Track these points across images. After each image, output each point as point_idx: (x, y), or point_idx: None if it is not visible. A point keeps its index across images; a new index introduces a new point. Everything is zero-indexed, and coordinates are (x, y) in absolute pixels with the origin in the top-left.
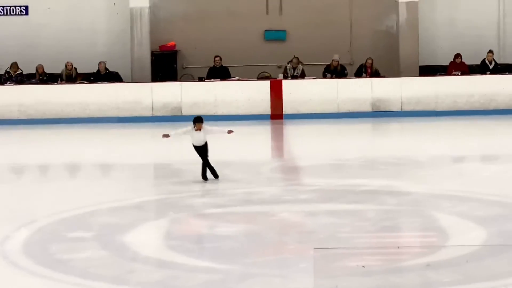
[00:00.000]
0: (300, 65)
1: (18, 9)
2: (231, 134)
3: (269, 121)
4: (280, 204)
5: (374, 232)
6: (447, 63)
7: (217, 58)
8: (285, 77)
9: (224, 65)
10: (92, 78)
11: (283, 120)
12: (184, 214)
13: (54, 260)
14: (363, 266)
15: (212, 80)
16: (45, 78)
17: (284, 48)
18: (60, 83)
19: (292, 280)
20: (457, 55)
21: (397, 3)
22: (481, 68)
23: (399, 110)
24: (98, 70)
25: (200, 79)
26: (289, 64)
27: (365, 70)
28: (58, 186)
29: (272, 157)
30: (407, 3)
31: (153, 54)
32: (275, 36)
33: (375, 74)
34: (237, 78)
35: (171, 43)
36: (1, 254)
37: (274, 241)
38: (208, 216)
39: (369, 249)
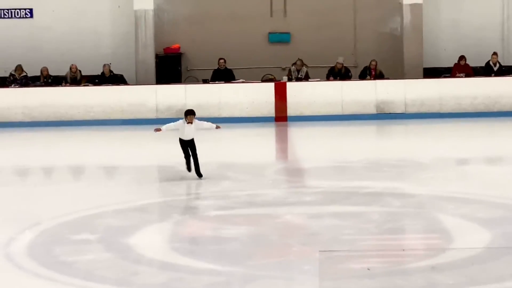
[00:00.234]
0: (304, 67)
1: (22, 11)
2: (219, 129)
3: (273, 123)
4: (284, 206)
5: (378, 234)
6: (451, 65)
7: (222, 61)
8: (289, 79)
9: (228, 67)
10: (96, 80)
11: (287, 122)
12: (188, 216)
13: (59, 262)
14: (368, 269)
15: (217, 82)
16: (49, 80)
17: (288, 50)
18: (65, 86)
19: (296, 282)
20: (461, 57)
21: (401, 5)
22: (486, 70)
23: (403, 112)
24: (103, 73)
25: (205, 81)
26: (293, 67)
27: (369, 72)
28: (62, 189)
29: (276, 159)
30: (411, 5)
31: (157, 57)
32: (279, 38)
33: (379, 76)
34: (241, 80)
35: (176, 45)
36: (6, 256)
37: (278, 243)
38: (212, 218)
39: (373, 251)
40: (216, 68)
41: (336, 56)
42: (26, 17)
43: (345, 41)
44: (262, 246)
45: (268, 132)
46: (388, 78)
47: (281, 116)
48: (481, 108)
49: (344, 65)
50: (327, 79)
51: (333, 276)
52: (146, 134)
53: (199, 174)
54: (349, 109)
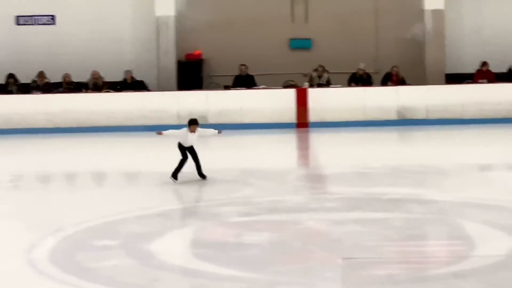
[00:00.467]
0: (325, 73)
1: (45, 18)
2: (220, 134)
3: (294, 130)
4: (306, 213)
5: (401, 241)
6: (474, 71)
7: (243, 67)
8: (311, 86)
9: (250, 73)
10: (118, 86)
11: (309, 128)
12: (210, 222)
13: (81, 268)
14: (391, 276)
15: (238, 88)
16: (72, 87)
17: (309, 57)
18: (87, 92)
19: None
20: (484, 63)
21: (423, 11)
22: (508, 76)
23: (425, 118)
24: (125, 79)
25: (226, 87)
26: (315, 73)
27: (391, 78)
28: (84, 195)
29: (298, 165)
30: (433, 11)
31: (179, 63)
32: (300, 44)
33: (401, 82)
34: (262, 86)
35: (197, 51)
36: (28, 263)
37: (300, 249)
38: (234, 225)
39: (396, 258)
40: (237, 74)
41: (357, 62)
42: (48, 24)
43: (366, 47)
44: (284, 253)
45: (290, 138)
46: (410, 84)
47: (302, 122)
48: (504, 114)
49: (366, 71)
50: (349, 85)
51: (356, 283)
52: (167, 140)
53: (203, 176)
54: (371, 115)
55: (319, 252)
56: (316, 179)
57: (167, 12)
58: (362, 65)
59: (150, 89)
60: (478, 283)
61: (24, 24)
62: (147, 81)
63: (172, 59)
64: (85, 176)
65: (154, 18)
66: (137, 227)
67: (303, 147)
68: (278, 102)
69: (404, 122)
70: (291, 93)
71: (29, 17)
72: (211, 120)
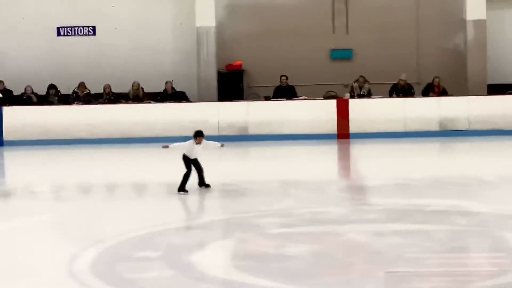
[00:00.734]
0: (366, 84)
1: (85, 29)
2: (223, 147)
3: (335, 141)
4: (347, 224)
5: (443, 253)
6: None
7: (283, 77)
8: (352, 96)
9: (290, 84)
10: (159, 97)
11: (350, 139)
12: (250, 233)
13: (122, 280)
14: None
15: (279, 99)
16: (112, 97)
17: (350, 67)
18: (127, 103)
19: None
20: None
21: (464, 21)
22: None
23: (467, 129)
24: (165, 90)
25: (267, 98)
26: (356, 83)
27: (433, 89)
28: (125, 206)
29: (338, 176)
30: (475, 21)
31: (219, 74)
32: (341, 55)
33: (443, 93)
34: (303, 97)
35: (238, 62)
36: (70, 274)
37: (341, 261)
38: (274, 236)
39: (439, 271)
40: (278, 85)
41: (398, 72)
42: (89, 35)
43: (408, 58)
44: (325, 265)
45: (331, 149)
46: (451, 95)
47: (343, 133)
48: None
49: (407, 81)
50: (390, 96)
51: None
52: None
53: (207, 185)
54: (412, 126)
55: (360, 264)
56: (357, 191)
57: (207, 23)
58: (403, 76)
59: (190, 100)
60: None
61: (65, 35)
62: (187, 92)
63: (213, 69)
64: (126, 187)
65: (195, 29)
66: (178, 238)
67: (344, 158)
68: (319, 113)
69: (446, 133)
70: (332, 104)
71: (70, 28)
72: (252, 131)
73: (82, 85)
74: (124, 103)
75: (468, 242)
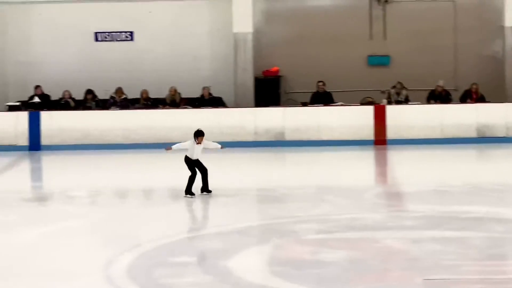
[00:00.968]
0: (404, 90)
1: (123, 34)
2: (223, 149)
3: (372, 147)
4: (384, 231)
5: (481, 260)
6: None
7: (320, 83)
8: (389, 103)
9: (327, 90)
10: (196, 103)
11: (387, 145)
12: (287, 239)
13: (158, 285)
14: None
15: (315, 105)
16: (149, 103)
17: (387, 73)
18: (164, 108)
19: None
20: None
21: (503, 27)
22: None
23: (505, 136)
24: (202, 95)
25: (304, 104)
26: (393, 89)
27: (470, 96)
28: (161, 211)
29: (375, 182)
30: None
31: (256, 79)
32: (378, 61)
33: (480, 99)
34: (340, 103)
35: (275, 68)
36: (106, 279)
37: (378, 268)
38: (311, 242)
39: (477, 278)
40: (315, 91)
41: (436, 79)
42: (126, 40)
43: (445, 64)
44: (361, 271)
45: (368, 156)
46: (489, 102)
47: (380, 139)
48: None
49: (445, 88)
50: (428, 102)
51: None
52: (244, 156)
53: (209, 190)
54: (449, 133)
55: (397, 271)
56: (394, 197)
57: (245, 29)
58: (441, 82)
59: (227, 105)
60: None
61: (103, 41)
62: (224, 97)
63: (250, 75)
64: (162, 192)
65: (232, 35)
66: (214, 243)
67: (381, 164)
68: (356, 119)
69: (483, 140)
70: (369, 110)
71: (107, 33)
72: (288, 137)
73: (119, 90)
74: (161, 108)
75: (505, 249)
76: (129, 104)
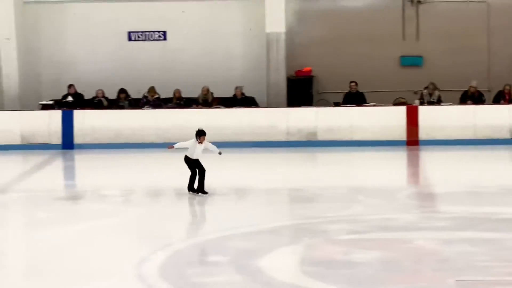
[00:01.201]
0: (436, 91)
1: (156, 34)
2: (221, 155)
3: (404, 147)
4: (416, 231)
5: None
6: None
7: (353, 84)
8: (421, 103)
9: (360, 90)
10: (228, 102)
11: (419, 146)
12: (318, 239)
13: (190, 284)
14: None
15: (348, 105)
16: (182, 102)
17: (420, 74)
18: (197, 108)
19: None
20: None
21: None
22: None
23: None
24: (235, 95)
25: (336, 104)
26: (426, 90)
27: (503, 97)
28: (194, 210)
29: (407, 183)
30: None
31: (288, 79)
32: (411, 61)
33: None
34: (372, 103)
35: (307, 68)
36: (139, 277)
37: (410, 269)
38: (343, 242)
39: (509, 279)
40: (347, 91)
41: (469, 80)
42: (159, 40)
43: (478, 65)
44: (393, 272)
45: (400, 156)
46: None
47: (412, 140)
48: None
49: (478, 89)
50: (461, 103)
51: None
52: (276, 156)
53: (204, 192)
54: (482, 134)
55: (429, 272)
56: (426, 198)
57: (277, 29)
58: (474, 83)
59: (259, 105)
60: None
61: (136, 40)
62: (256, 97)
63: (282, 75)
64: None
65: (264, 35)
66: (246, 243)
67: (413, 165)
68: (388, 119)
69: None
70: (401, 110)
71: (141, 33)
72: (321, 137)
73: (152, 90)
74: (194, 108)
75: None
76: (161, 103)
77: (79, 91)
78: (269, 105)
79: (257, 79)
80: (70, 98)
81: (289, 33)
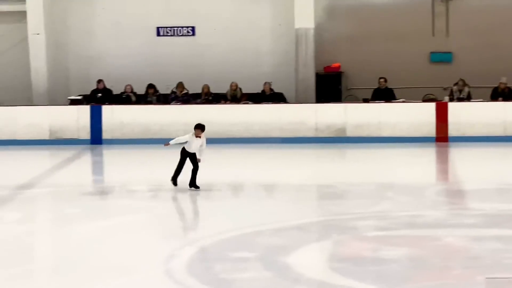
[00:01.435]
0: (466, 87)
1: (185, 29)
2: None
3: (434, 144)
4: (445, 228)
5: None
6: None
7: (382, 80)
8: (451, 100)
9: (389, 86)
10: (257, 98)
11: (448, 143)
12: (347, 236)
13: (218, 280)
14: None
15: (377, 101)
16: (210, 98)
17: (450, 70)
18: (225, 103)
19: None
20: None
21: None
22: None
23: None
24: (263, 91)
25: (365, 100)
26: (455, 87)
27: None
28: (221, 206)
29: (437, 180)
30: None
31: (317, 75)
32: (441, 58)
33: None
34: (401, 100)
35: (336, 64)
36: (166, 273)
37: (439, 266)
38: (371, 239)
39: None
40: (376, 87)
41: (499, 76)
42: (188, 35)
43: (508, 61)
44: (422, 269)
45: (429, 153)
46: None
47: (442, 136)
48: None
49: (508, 85)
50: (492, 99)
51: None
52: (305, 152)
53: (196, 186)
54: None
55: (458, 269)
56: (455, 195)
57: (306, 25)
58: (504, 79)
59: (288, 101)
60: None
61: (165, 35)
62: (285, 93)
63: (311, 71)
64: (222, 187)
65: (294, 30)
66: (275, 239)
67: (442, 162)
68: (418, 116)
69: None
70: (431, 107)
71: (169, 28)
72: (349, 133)
73: (180, 85)
74: (222, 104)
75: None
76: (190, 99)
77: (107, 86)
78: (297, 101)
79: (285, 75)
80: (98, 94)
81: (318, 29)
